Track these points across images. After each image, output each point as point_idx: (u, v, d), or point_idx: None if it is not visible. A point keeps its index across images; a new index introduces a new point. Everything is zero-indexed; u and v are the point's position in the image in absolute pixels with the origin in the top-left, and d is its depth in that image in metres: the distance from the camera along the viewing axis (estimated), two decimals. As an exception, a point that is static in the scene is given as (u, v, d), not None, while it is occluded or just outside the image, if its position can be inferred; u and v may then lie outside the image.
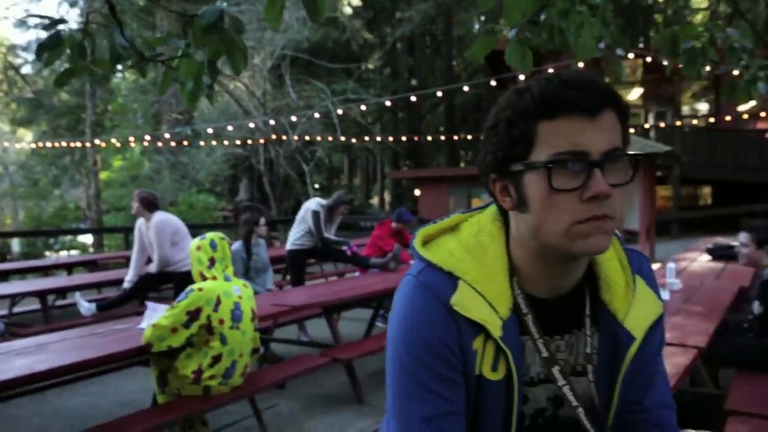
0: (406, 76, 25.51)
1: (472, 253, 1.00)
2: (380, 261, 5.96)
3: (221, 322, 3.07)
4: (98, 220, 17.72)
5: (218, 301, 3.06)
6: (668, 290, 4.22)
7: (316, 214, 5.79)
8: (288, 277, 6.90)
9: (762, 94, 2.53)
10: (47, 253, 16.02)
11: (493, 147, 0.96)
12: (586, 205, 0.88)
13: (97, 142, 15.87)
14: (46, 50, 1.88)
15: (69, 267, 8.42)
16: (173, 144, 15.89)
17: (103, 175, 20.20)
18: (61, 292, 6.45)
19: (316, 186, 21.42)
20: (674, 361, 2.67)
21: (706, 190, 20.32)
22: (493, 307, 0.96)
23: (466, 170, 17.90)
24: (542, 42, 2.04)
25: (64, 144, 16.54)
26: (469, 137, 18.79)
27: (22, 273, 8.18)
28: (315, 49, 18.54)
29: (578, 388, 1.03)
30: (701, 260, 6.15)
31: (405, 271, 1.17)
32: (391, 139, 17.97)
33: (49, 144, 16.05)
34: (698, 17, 23.49)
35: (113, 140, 15.53)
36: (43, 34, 1.92)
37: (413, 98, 14.22)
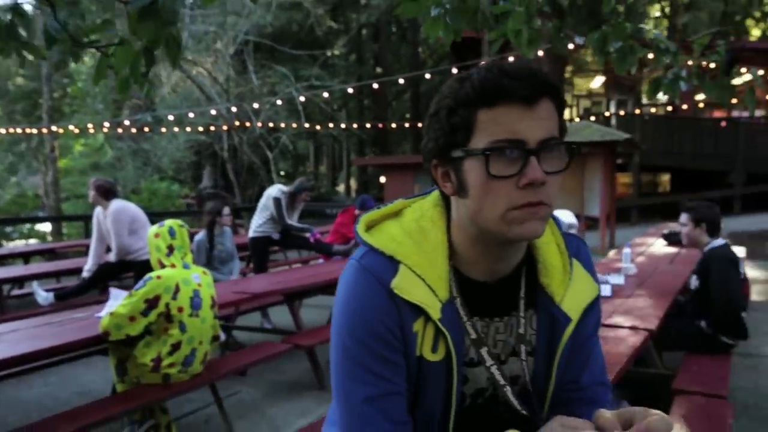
0: (371, 63, 25.40)
1: (413, 237, 1.02)
2: (343, 248, 5.97)
3: (180, 309, 3.05)
4: (57, 208, 17.32)
5: (177, 289, 3.04)
6: (623, 275, 4.34)
7: (277, 201, 5.77)
8: (252, 265, 6.87)
9: (682, 92, 2.63)
10: (4, 242, 15.62)
11: (435, 134, 0.98)
12: (523, 191, 0.91)
13: (54, 128, 15.45)
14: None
15: (26, 256, 8.23)
16: (134, 130, 15.58)
17: (62, 163, 19.70)
18: (18, 281, 6.31)
19: (282, 173, 21.29)
20: (626, 343, 2.75)
21: (665, 178, 20.82)
22: (433, 290, 0.99)
23: (431, 157, 17.88)
24: (464, 24, 2.07)
25: (19, 130, 16.07)
26: (435, 124, 18.74)
27: (-23, 262, 7.96)
28: (279, 35, 18.32)
29: (516, 368, 1.07)
30: (657, 245, 6.32)
31: None
32: (355, 126, 17.89)
33: (3, 130, 15.57)
34: (656, 7, 23.91)
35: (71, 126, 15.14)
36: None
37: (375, 86, 14.18)
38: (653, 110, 17.55)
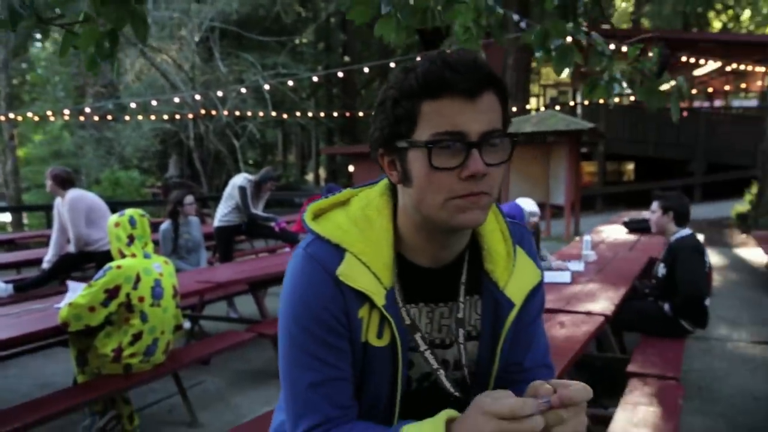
0: (339, 51, 25.25)
1: (358, 225, 1.04)
2: (309, 237, 5.96)
3: (141, 299, 3.03)
4: (17, 197, 16.90)
5: (138, 279, 3.02)
6: (583, 262, 4.44)
7: (242, 190, 5.74)
8: (217, 255, 6.82)
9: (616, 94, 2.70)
10: (-39, 234, 15.20)
11: (380, 123, 1.00)
12: (465, 182, 0.93)
13: (12, 116, 15.05)
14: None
15: (-16, 247, 8.04)
16: (96, 118, 15.25)
17: (21, 152, 19.22)
18: (-24, 272, 6.17)
19: (250, 162, 21.09)
20: (582, 328, 2.83)
21: (630, 167, 21.19)
22: (378, 277, 1.01)
23: (399, 146, 17.89)
24: (415, 22, 2.09)
25: (-24, 118, 15.61)
26: (403, 114, 18.74)
27: (-67, 254, 7.75)
28: (245, 22, 18.08)
29: (464, 352, 1.10)
30: (618, 233, 6.45)
31: None
32: (322, 114, 17.80)
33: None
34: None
35: (30, 114, 14.76)
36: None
37: (340, 74, 14.12)
38: (617, 100, 17.82)
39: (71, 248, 5.09)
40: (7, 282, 5.06)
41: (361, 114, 18.63)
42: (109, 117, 15.28)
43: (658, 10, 23.68)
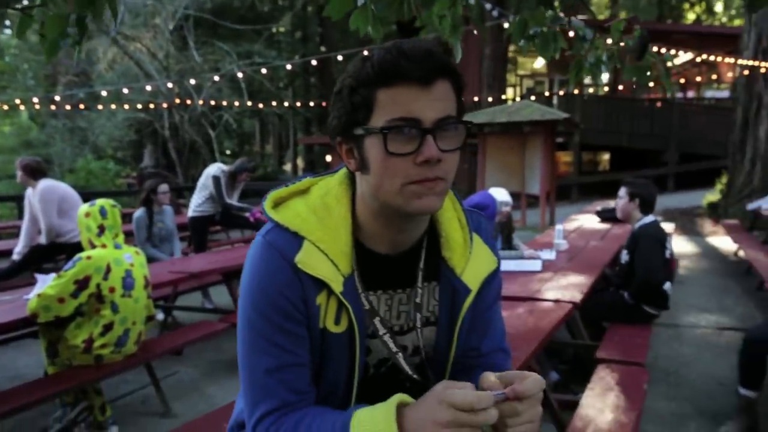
0: (317, 41, 25.08)
1: (317, 214, 1.06)
2: (285, 227, 5.96)
3: (112, 290, 3.01)
4: (-14, 188, 16.59)
5: (108, 269, 3.00)
6: (554, 251, 4.49)
7: (216, 180, 5.71)
8: (192, 245, 6.78)
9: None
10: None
11: (338, 112, 1.02)
12: (420, 168, 0.95)
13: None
14: None
15: (-47, 238, 7.90)
16: (68, 107, 14.99)
17: (-9, 141, 18.84)
18: (-56, 264, 6.06)
19: (227, 152, 20.89)
20: (550, 316, 2.87)
21: (605, 157, 21.43)
22: (336, 264, 1.03)
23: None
24: (391, 14, 2.10)
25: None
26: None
27: None
28: (220, 10, 17.86)
29: (417, 338, 1.13)
30: (591, 222, 6.54)
31: None
32: (299, 104, 17.70)
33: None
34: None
35: (-1, 103, 14.46)
36: None
37: (314, 62, 14.05)
38: (590, 90, 18.00)
39: (42, 239, 5.03)
40: (-25, 274, 4.99)
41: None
42: (81, 106, 15.01)
43: (635, 2, 23.89)
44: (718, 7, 26.41)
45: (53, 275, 3.17)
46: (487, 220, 1.22)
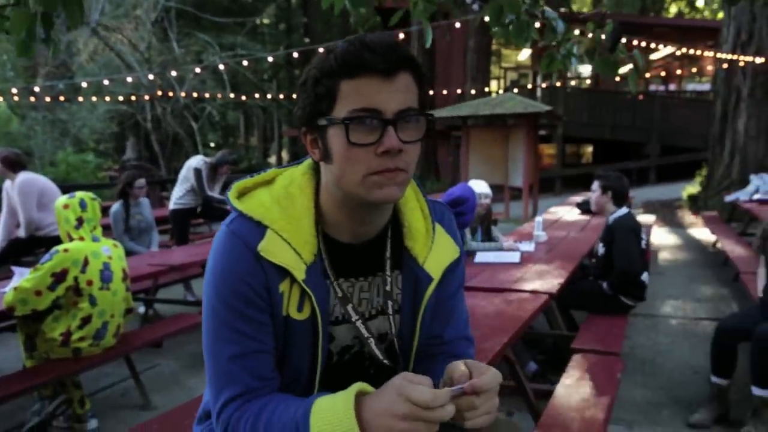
0: (301, 32, 24.95)
1: (280, 203, 1.07)
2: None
3: (89, 283, 3.00)
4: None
5: (86, 262, 2.99)
6: (534, 242, 4.54)
7: (198, 172, 5.69)
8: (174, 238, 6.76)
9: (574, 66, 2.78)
10: None
11: (303, 102, 1.04)
12: (381, 158, 0.97)
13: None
14: None
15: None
16: (48, 99, 14.80)
17: (-32, 134, 18.55)
18: None
19: (211, 144, 20.77)
20: (527, 306, 2.91)
21: (588, 149, 21.57)
22: (298, 252, 1.05)
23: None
24: None
25: None
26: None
27: None
28: (202, 2, 17.71)
29: (383, 325, 1.15)
30: (571, 214, 6.60)
31: None
32: (282, 96, 17.62)
33: None
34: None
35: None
36: None
37: (296, 54, 13.99)
38: (573, 83, 18.09)
39: (21, 233, 4.99)
40: (-47, 267, 4.94)
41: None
42: (62, 98, 14.83)
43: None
44: (700, 2, 26.60)
45: (30, 269, 3.15)
46: (450, 211, 1.24)
